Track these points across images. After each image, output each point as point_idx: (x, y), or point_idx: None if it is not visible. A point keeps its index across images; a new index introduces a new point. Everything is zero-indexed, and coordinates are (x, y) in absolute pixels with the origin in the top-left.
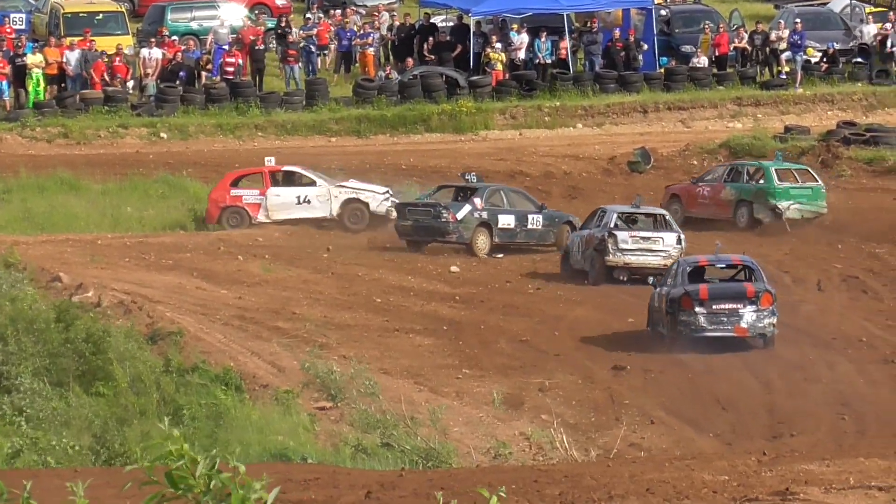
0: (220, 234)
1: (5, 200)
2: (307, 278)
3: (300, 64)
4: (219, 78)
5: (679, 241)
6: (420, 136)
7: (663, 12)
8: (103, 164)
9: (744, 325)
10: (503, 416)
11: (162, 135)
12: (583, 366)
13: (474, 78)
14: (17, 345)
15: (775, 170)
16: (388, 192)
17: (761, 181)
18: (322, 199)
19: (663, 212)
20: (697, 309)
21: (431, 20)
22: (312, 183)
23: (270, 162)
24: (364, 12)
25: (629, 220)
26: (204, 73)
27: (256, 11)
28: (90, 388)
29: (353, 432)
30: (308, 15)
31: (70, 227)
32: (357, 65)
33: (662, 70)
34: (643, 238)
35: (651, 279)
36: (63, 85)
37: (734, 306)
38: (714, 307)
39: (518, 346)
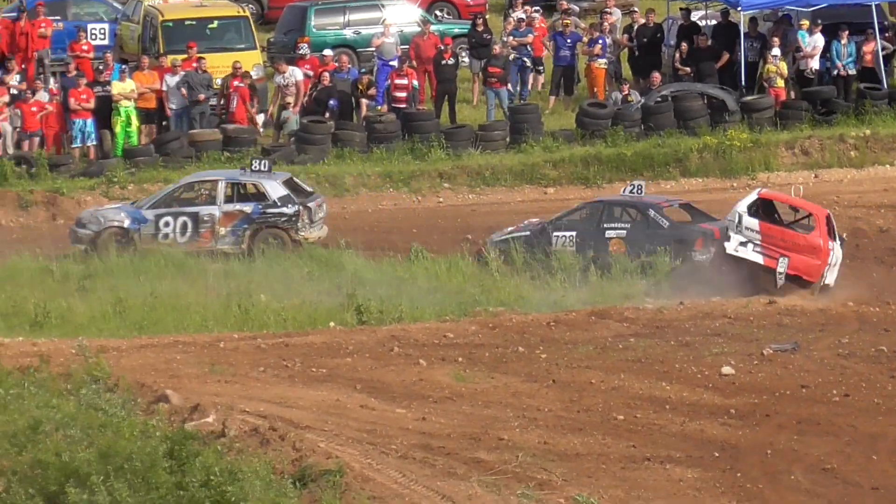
0: (394, 328)
1: (87, 289)
2: (518, 389)
3: (509, 86)
4: (386, 107)
5: None
6: (674, 181)
7: None
8: None
9: None
10: None
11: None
12: None
13: (748, 98)
14: (108, 493)
15: None
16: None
17: None
18: None
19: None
20: None
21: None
22: None
23: (800, 192)
24: (585, 7)
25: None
26: (364, 101)
27: (437, 11)
28: None
29: None
30: (515, 14)
31: (180, 324)
32: (581, 83)
33: None
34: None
35: None
36: (164, 123)
37: None
38: None
39: (820, 478)
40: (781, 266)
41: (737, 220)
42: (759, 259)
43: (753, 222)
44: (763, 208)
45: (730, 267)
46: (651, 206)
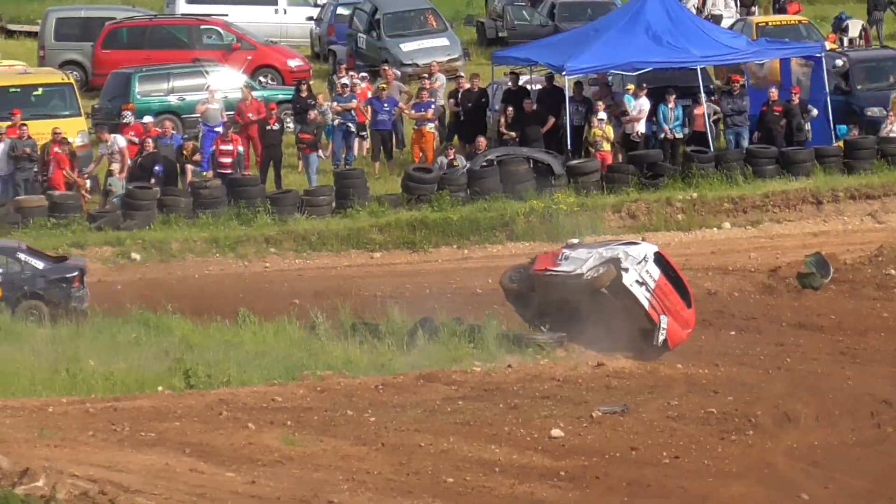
0: (223, 392)
1: None
2: (347, 452)
3: (321, 152)
4: (211, 173)
5: None
6: (500, 245)
7: (839, 62)
8: None
9: None
10: None
11: (133, 256)
12: None
13: (574, 162)
14: None
15: None
16: None
17: None
18: None
19: None
20: None
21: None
22: None
23: None
24: (409, 72)
25: None
26: (189, 167)
27: (261, 77)
28: None
29: None
30: (339, 79)
31: (8, 389)
32: (406, 148)
33: (841, 143)
34: None
35: None
36: None
37: None
38: None
39: None
40: (663, 323)
41: (641, 259)
42: (645, 304)
43: (656, 270)
44: (664, 263)
45: (615, 299)
46: (16, 248)
